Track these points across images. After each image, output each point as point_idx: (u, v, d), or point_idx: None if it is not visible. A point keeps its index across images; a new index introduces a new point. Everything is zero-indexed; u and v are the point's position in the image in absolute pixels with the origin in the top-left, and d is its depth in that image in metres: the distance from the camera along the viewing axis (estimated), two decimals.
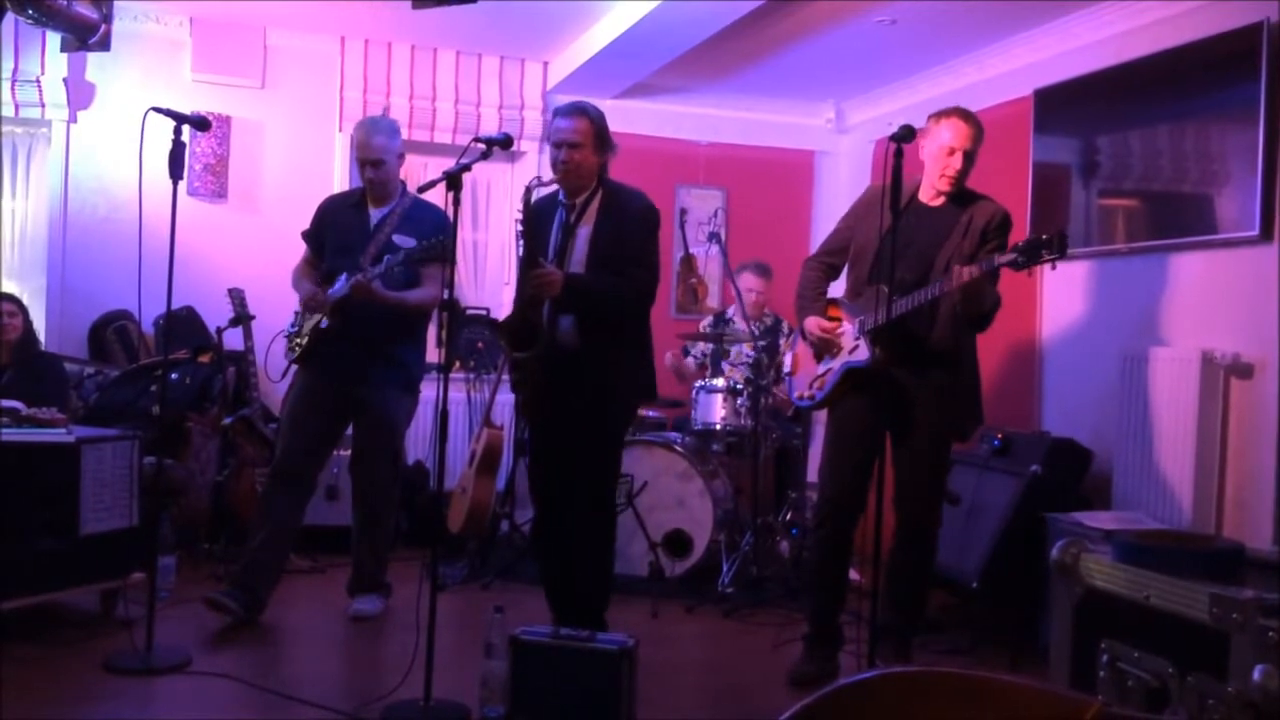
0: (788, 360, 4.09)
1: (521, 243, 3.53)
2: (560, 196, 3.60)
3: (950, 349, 3.54)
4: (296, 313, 4.24)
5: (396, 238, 4.08)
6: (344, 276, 4.00)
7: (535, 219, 3.58)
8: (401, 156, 4.22)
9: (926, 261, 3.47)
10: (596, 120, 3.55)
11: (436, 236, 3.93)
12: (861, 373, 3.58)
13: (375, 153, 4.11)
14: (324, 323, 4.04)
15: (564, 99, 4.56)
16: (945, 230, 3.52)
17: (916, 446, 3.56)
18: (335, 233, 4.22)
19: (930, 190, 3.61)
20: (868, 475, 3.64)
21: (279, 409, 4.94)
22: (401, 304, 4.06)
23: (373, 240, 4.09)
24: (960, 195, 3.59)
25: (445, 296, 3.67)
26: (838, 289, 3.90)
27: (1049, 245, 3.20)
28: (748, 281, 5.62)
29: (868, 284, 3.64)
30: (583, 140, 3.51)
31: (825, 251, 3.87)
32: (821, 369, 3.76)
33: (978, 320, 3.52)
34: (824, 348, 3.73)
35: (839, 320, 3.73)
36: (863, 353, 3.59)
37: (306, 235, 4.33)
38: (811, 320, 3.73)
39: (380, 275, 3.91)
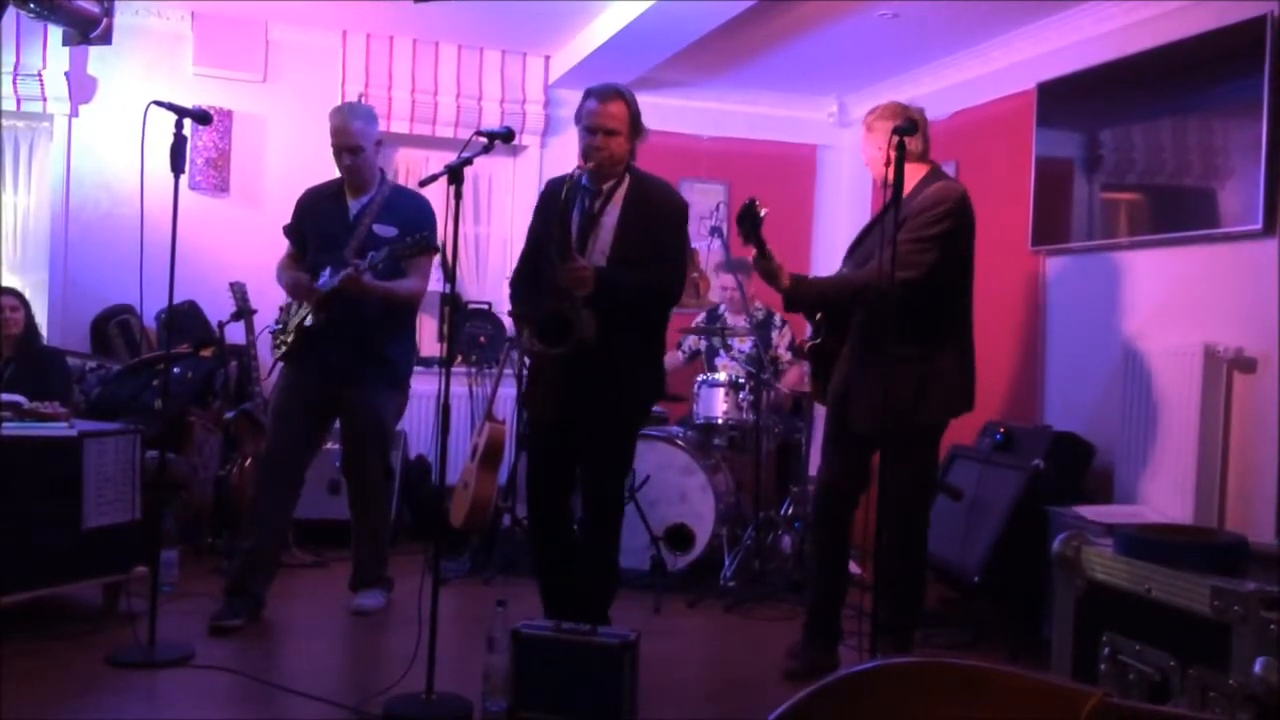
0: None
1: (548, 223, 3.40)
2: (584, 181, 3.43)
3: (885, 341, 3.40)
4: (281, 309, 4.20)
5: (377, 227, 4.02)
6: (328, 270, 3.94)
7: (552, 204, 3.46)
8: (379, 144, 4.13)
9: (873, 252, 3.46)
10: (633, 104, 3.43)
11: (418, 225, 3.88)
12: (820, 360, 3.63)
13: (353, 139, 4.02)
14: (309, 320, 3.99)
15: (566, 93, 4.52)
16: (903, 220, 3.47)
17: (884, 440, 3.50)
18: (316, 226, 4.15)
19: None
20: (860, 463, 3.64)
21: None
22: (392, 295, 4.00)
23: (354, 232, 4.03)
24: (928, 180, 3.55)
25: (446, 290, 3.65)
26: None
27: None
28: (729, 280, 5.60)
29: None
30: (620, 126, 3.38)
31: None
32: None
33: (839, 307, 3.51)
34: None
35: None
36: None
37: (288, 230, 4.28)
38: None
39: (369, 269, 3.84)
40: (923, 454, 3.57)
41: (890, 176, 3.25)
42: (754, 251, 3.34)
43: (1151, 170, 4.52)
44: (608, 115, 3.37)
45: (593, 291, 3.29)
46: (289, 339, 4.07)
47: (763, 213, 3.26)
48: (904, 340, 3.35)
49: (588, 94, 3.45)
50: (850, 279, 3.48)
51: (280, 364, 4.18)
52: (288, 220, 4.31)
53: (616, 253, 3.40)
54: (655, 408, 5.59)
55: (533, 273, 3.56)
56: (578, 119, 3.47)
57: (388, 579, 4.33)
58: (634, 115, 3.43)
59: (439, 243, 4.00)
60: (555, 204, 3.41)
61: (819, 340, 3.70)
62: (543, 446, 3.60)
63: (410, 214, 4.06)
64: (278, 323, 4.20)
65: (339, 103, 5.89)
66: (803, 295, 3.51)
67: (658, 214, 3.45)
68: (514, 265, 3.77)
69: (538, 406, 3.56)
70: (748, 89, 6.57)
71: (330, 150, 4.08)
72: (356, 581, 4.27)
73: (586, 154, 3.40)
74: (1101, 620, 2.67)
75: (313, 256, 4.11)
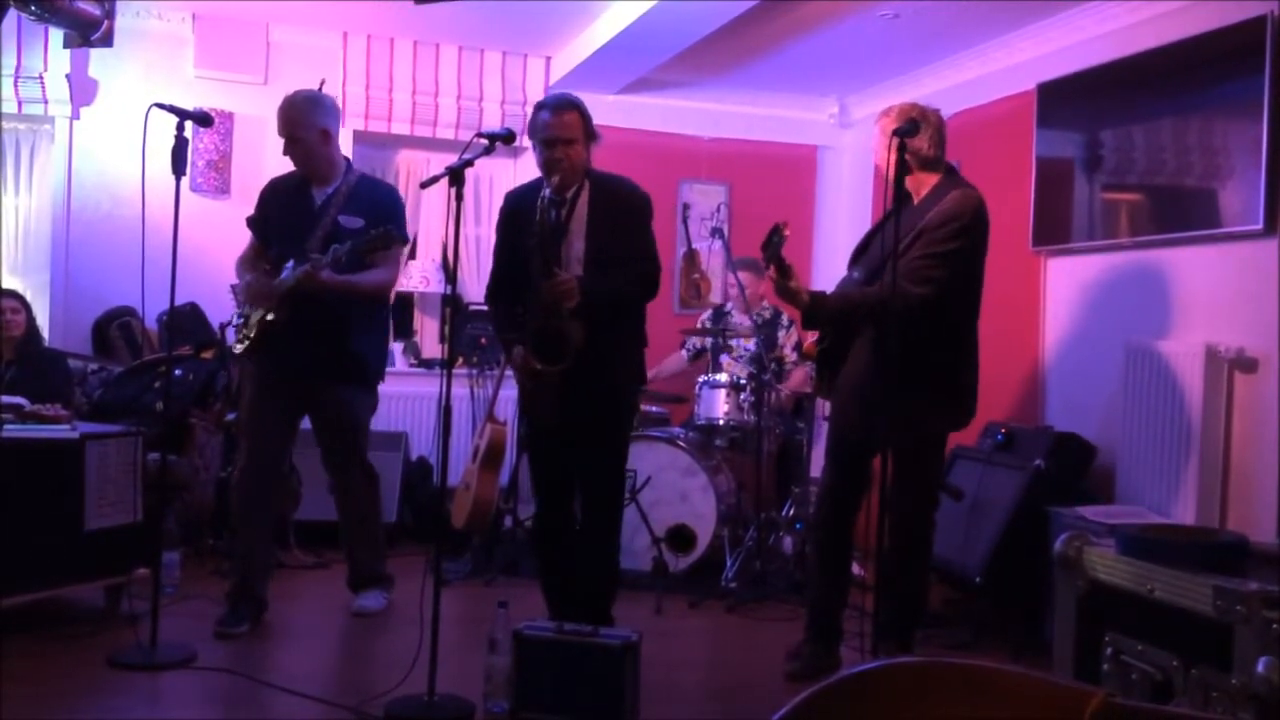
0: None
1: (516, 236, 3.47)
2: (546, 193, 3.46)
3: (897, 351, 3.36)
4: (243, 302, 4.06)
5: (343, 218, 3.92)
6: (291, 263, 3.84)
7: (518, 217, 3.51)
8: (325, 133, 3.97)
9: (881, 260, 3.45)
10: (584, 112, 3.49)
11: (385, 215, 3.84)
12: (825, 363, 3.64)
13: (286, 128, 3.93)
14: (270, 315, 3.85)
15: None
16: (910, 228, 3.47)
17: (894, 443, 3.51)
18: (279, 216, 4.03)
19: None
20: (864, 466, 3.65)
21: None
22: (353, 290, 3.90)
23: (319, 223, 3.92)
24: (945, 187, 3.56)
25: (447, 292, 3.64)
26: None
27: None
28: (742, 277, 5.60)
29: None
30: (576, 135, 3.43)
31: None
32: None
33: (873, 325, 3.50)
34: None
35: None
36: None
37: (251, 221, 4.13)
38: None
39: (329, 264, 3.74)
40: (930, 459, 3.60)
41: (904, 179, 3.26)
42: (774, 271, 3.35)
43: (1152, 170, 4.51)
44: (564, 125, 3.41)
45: (580, 302, 3.33)
46: (251, 334, 3.94)
47: (786, 234, 3.29)
48: (916, 350, 3.35)
49: (539, 107, 3.50)
50: (867, 297, 3.45)
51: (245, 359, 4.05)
52: None
53: (590, 257, 3.44)
54: (658, 408, 5.63)
55: (508, 290, 3.60)
56: (531, 134, 3.49)
57: (388, 576, 4.31)
58: (587, 123, 3.49)
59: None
60: (521, 219, 3.47)
61: (826, 345, 3.68)
62: (544, 451, 3.63)
63: (377, 204, 3.99)
64: (239, 315, 4.06)
65: (342, 105, 5.88)
66: (822, 313, 3.52)
67: (623, 212, 3.50)
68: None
69: (537, 412, 3.57)
70: (748, 90, 6.57)
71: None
72: (355, 580, 4.26)
73: (549, 167, 3.42)
74: (1103, 620, 2.67)
75: (277, 248, 3.99)
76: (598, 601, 3.53)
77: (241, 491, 4.05)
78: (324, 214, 3.95)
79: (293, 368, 3.94)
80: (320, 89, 4.04)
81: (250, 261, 4.08)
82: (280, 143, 5.82)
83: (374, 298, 4.06)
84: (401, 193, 6.29)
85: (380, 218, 3.90)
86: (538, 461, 3.68)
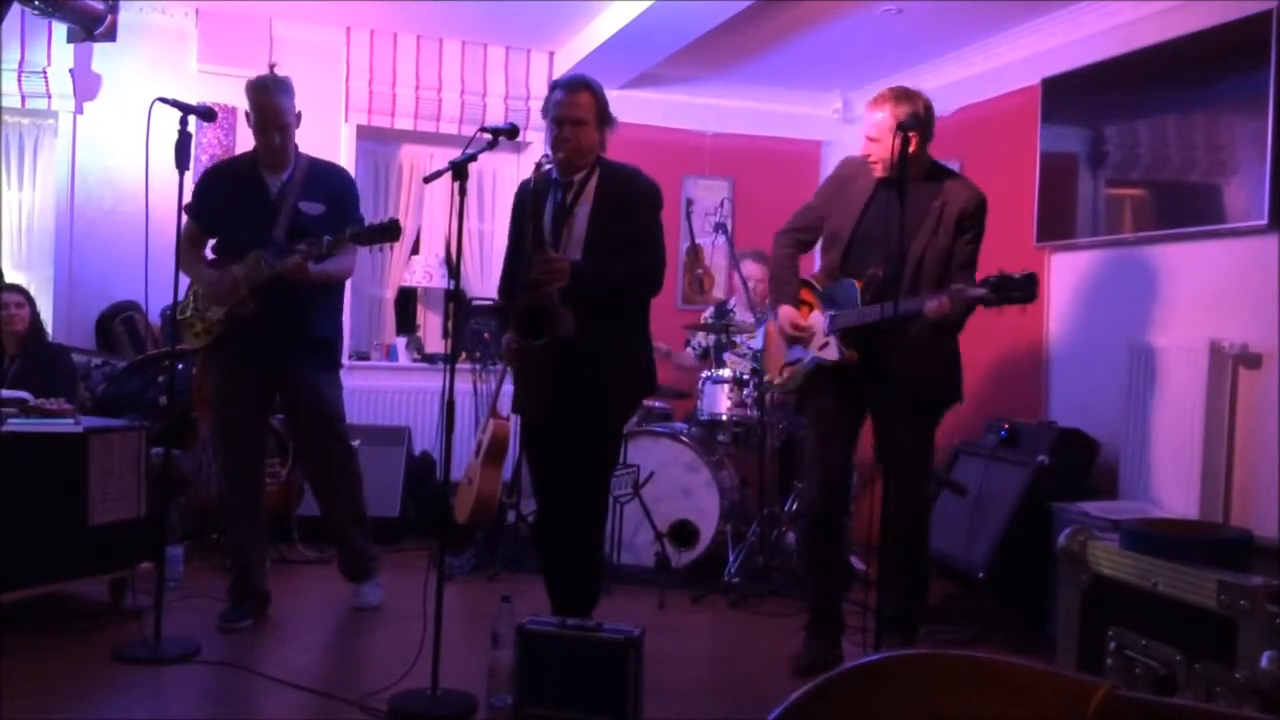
0: (760, 336, 4.10)
1: (524, 224, 3.44)
2: (553, 175, 3.42)
3: (926, 341, 3.46)
4: (194, 293, 3.97)
5: (303, 205, 3.88)
6: (260, 252, 3.76)
7: (528, 202, 3.47)
8: (299, 117, 3.96)
9: (899, 255, 3.40)
10: (599, 94, 3.42)
11: (345, 200, 3.84)
12: (829, 368, 3.60)
13: (282, 116, 3.85)
14: (243, 306, 3.78)
15: None
16: (918, 220, 3.43)
17: (893, 426, 3.51)
18: (232, 204, 3.93)
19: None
20: (847, 462, 3.70)
21: None
22: (329, 278, 3.89)
23: (279, 211, 3.85)
24: (933, 174, 3.55)
25: (451, 287, 3.63)
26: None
27: (1020, 287, 3.18)
28: (748, 269, 5.58)
29: (841, 272, 3.63)
30: (587, 116, 3.37)
31: (797, 229, 3.81)
32: (791, 357, 3.76)
33: (954, 328, 3.53)
34: (795, 340, 3.73)
35: (811, 306, 3.70)
36: (832, 351, 3.59)
37: (192, 209, 3.99)
38: (784, 311, 3.70)
39: (318, 254, 3.70)
40: (929, 434, 3.65)
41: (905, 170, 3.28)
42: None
43: (1156, 166, 4.50)
44: (574, 105, 3.37)
45: (570, 285, 3.26)
46: (211, 326, 3.87)
47: None
48: (948, 331, 3.50)
49: (554, 86, 3.47)
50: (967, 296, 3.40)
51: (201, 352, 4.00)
52: None
53: (591, 244, 3.37)
54: (661, 403, 5.63)
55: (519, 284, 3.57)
56: (544, 113, 3.46)
57: (375, 555, 4.26)
58: (601, 105, 3.42)
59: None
60: (530, 208, 3.43)
61: (841, 358, 3.59)
62: (539, 445, 3.60)
63: (335, 189, 3.96)
64: (193, 309, 3.94)
65: (345, 100, 5.92)
66: (951, 325, 3.47)
67: (630, 200, 3.42)
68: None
69: (527, 405, 3.54)
70: (752, 85, 6.56)
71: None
72: (354, 569, 4.21)
73: (555, 145, 3.39)
74: (1107, 615, 2.67)
75: (231, 237, 3.92)
76: (582, 589, 3.52)
77: (227, 493, 4.03)
78: (283, 201, 3.90)
79: (266, 357, 3.90)
80: (272, 71, 4.01)
81: (195, 255, 3.99)
82: None
83: (337, 283, 4.05)
84: (403, 188, 6.37)
85: (340, 203, 3.90)
86: (531, 455, 3.66)
